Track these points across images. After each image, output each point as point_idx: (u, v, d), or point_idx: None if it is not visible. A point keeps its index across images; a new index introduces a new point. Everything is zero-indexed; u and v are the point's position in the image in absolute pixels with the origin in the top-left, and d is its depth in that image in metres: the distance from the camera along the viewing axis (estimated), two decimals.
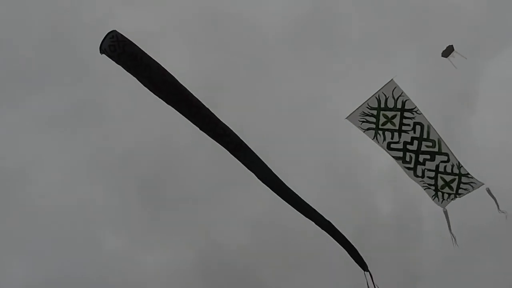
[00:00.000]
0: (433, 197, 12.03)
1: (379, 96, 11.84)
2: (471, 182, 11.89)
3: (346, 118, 11.98)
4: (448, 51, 12.34)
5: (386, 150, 12.04)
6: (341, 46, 19.44)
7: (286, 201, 10.43)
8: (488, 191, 11.94)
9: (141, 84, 9.01)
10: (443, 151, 11.85)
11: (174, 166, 19.75)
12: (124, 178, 19.58)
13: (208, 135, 9.57)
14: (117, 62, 8.73)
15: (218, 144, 9.50)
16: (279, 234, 19.32)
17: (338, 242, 10.84)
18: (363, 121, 11.96)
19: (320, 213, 10.80)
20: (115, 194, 19.40)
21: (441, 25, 18.30)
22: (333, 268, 18.89)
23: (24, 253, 18.59)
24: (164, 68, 8.93)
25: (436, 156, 11.83)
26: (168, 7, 19.35)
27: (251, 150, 9.82)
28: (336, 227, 10.85)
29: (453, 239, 11.97)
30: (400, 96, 11.77)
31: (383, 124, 11.87)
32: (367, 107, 11.90)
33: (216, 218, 19.65)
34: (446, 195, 11.96)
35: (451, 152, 11.88)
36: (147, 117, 19.22)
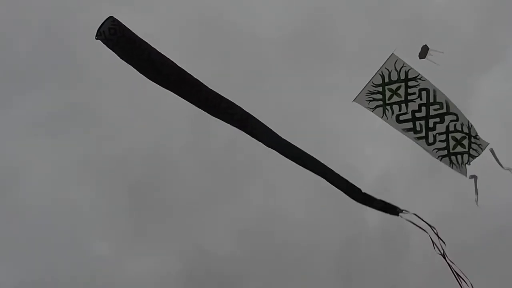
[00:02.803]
0: (451, 164, 11.74)
1: (382, 72, 11.70)
2: (479, 144, 11.67)
3: (353, 100, 11.76)
4: (424, 52, 12.17)
5: (395, 126, 11.75)
6: (336, 59, 19.60)
7: (300, 165, 10.41)
8: (492, 151, 11.68)
9: (138, 70, 9.01)
10: (451, 111, 11.66)
11: (164, 173, 19.77)
12: (113, 183, 19.57)
13: (212, 112, 9.62)
14: (113, 46, 8.73)
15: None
16: (267, 242, 19.37)
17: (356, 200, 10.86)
18: (370, 100, 11.75)
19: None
20: (104, 198, 19.39)
21: (435, 40, 18.46)
22: (322, 278, 18.95)
23: (10, 255, 18.51)
24: (161, 52, 9.04)
25: (445, 117, 11.66)
26: (163, 14, 19.45)
27: (257, 119, 9.92)
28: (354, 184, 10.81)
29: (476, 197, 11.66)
30: (402, 67, 11.66)
31: (389, 97, 11.72)
32: (372, 85, 11.73)
33: (205, 226, 19.68)
34: (459, 157, 11.70)
35: (460, 112, 11.70)
36: (140, 123, 19.27)
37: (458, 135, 11.68)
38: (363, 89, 11.75)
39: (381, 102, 11.75)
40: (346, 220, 18.17)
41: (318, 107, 19.08)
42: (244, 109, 9.85)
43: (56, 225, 18.71)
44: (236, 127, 9.84)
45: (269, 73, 19.43)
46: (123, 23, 8.69)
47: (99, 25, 8.55)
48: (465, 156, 11.72)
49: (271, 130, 10.05)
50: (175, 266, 19.49)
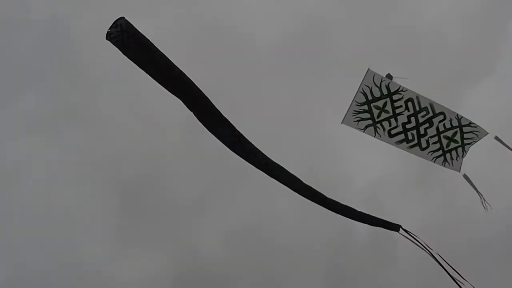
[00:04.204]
0: (443, 163, 11.66)
1: (363, 90, 11.53)
2: (475, 131, 11.57)
3: (341, 123, 11.62)
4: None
5: (388, 141, 11.68)
6: (331, 65, 19.71)
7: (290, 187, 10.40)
8: (497, 138, 11.49)
9: (148, 70, 8.91)
10: (437, 112, 11.60)
11: (157, 175, 19.85)
12: (106, 184, 19.65)
13: (211, 122, 9.57)
14: (129, 37, 8.57)
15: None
16: (258, 246, 19.46)
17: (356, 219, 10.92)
18: (358, 120, 11.63)
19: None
20: (97, 199, 19.46)
21: (428, 51, 18.74)
22: (312, 283, 19.06)
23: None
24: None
25: (433, 119, 11.59)
26: (161, 19, 19.58)
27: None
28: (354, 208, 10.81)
29: (483, 200, 11.50)
30: (382, 81, 11.53)
31: (378, 115, 11.62)
32: (357, 104, 11.58)
33: (196, 228, 19.77)
34: (454, 153, 11.63)
35: (447, 109, 11.61)
36: (134, 125, 19.37)
37: (450, 133, 11.62)
38: (348, 110, 11.61)
39: (370, 121, 11.66)
40: (336, 226, 18.31)
41: (311, 114, 19.25)
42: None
43: (48, 224, 18.77)
44: (229, 145, 9.78)
45: (265, 80, 19.59)
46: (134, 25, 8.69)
47: (105, 23, 8.53)
48: (459, 150, 11.66)
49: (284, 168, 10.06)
50: (167, 268, 19.58)
